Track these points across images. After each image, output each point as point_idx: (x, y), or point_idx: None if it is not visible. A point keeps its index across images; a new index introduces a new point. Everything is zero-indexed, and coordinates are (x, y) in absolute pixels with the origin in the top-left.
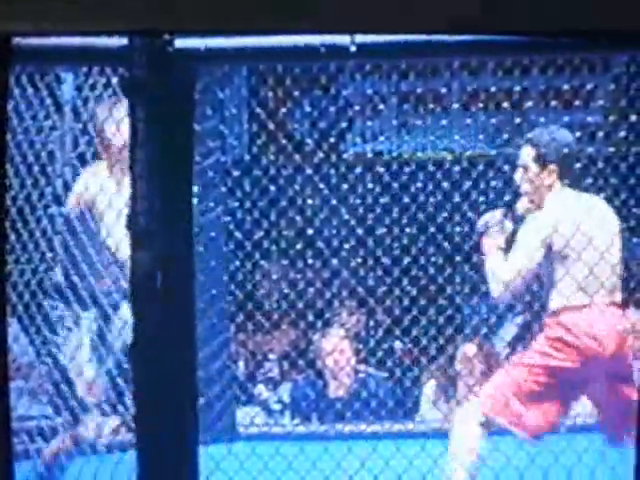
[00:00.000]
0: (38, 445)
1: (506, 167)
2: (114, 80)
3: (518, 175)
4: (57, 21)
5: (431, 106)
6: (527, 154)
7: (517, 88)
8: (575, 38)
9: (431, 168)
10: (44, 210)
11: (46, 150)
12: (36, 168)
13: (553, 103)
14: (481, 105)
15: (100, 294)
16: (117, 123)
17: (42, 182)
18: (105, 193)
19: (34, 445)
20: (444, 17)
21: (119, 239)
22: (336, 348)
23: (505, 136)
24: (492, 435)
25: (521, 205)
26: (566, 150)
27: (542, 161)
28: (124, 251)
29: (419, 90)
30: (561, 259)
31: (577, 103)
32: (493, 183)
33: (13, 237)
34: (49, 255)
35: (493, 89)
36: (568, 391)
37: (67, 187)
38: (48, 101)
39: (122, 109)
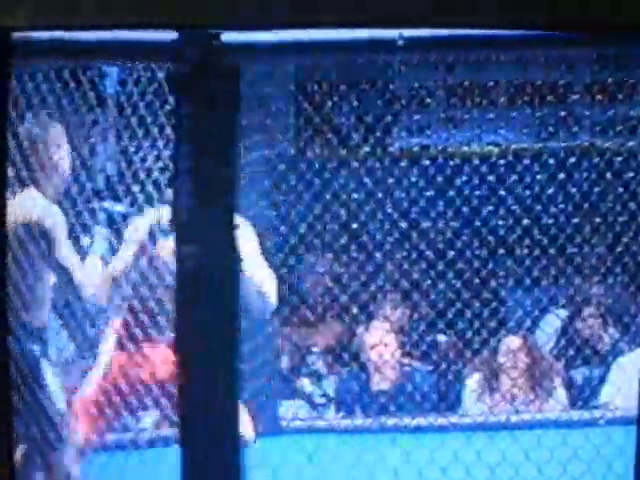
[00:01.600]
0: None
1: (551, 161)
2: (160, 75)
3: None
4: (106, 14)
5: (477, 99)
6: None
7: (562, 82)
8: (621, 33)
9: (477, 162)
10: (85, 205)
11: (88, 144)
12: (77, 163)
13: (598, 97)
14: (527, 99)
15: None
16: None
17: (83, 177)
18: None
19: None
20: (492, 11)
21: None
22: (380, 341)
23: (550, 130)
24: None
25: None
26: None
27: None
28: None
29: (466, 83)
30: None
31: (620, 97)
32: (538, 177)
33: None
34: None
35: (539, 82)
36: None
37: (109, 182)
38: (90, 95)
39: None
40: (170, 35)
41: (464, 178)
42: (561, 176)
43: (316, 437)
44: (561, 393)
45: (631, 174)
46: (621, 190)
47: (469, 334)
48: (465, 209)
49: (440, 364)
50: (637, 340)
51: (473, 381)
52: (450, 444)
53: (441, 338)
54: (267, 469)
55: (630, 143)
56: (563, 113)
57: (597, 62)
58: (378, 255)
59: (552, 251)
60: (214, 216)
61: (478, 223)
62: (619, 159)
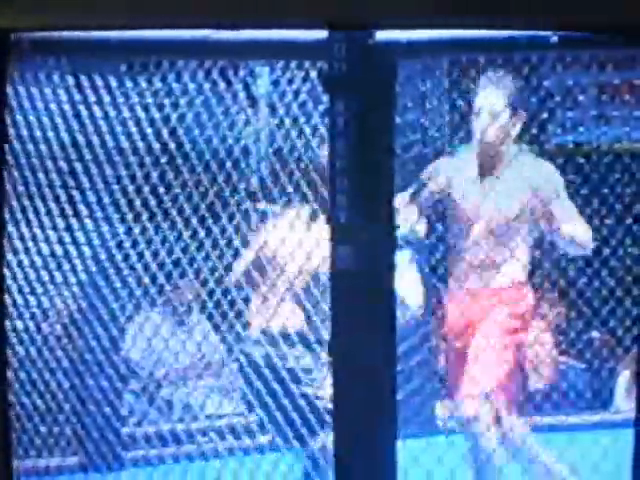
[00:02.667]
0: (229, 443)
1: None
2: (313, 74)
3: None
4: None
5: (627, 97)
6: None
7: None
8: None
9: (627, 159)
10: (237, 206)
11: (240, 145)
12: (229, 164)
13: None
14: None
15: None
16: None
17: (235, 178)
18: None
19: (224, 443)
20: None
21: None
22: (537, 340)
23: None
24: None
25: None
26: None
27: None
28: None
29: (616, 81)
30: None
31: None
32: None
33: (202, 233)
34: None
35: None
36: None
37: (263, 183)
38: (242, 95)
39: None
40: (323, 34)
41: (616, 175)
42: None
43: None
44: None
45: None
46: None
47: (621, 332)
48: (618, 206)
49: (594, 362)
50: None
51: (623, 378)
52: (602, 441)
53: (595, 335)
54: (422, 469)
55: None
56: None
57: None
58: (536, 253)
59: None
60: (371, 216)
61: (630, 220)
62: None
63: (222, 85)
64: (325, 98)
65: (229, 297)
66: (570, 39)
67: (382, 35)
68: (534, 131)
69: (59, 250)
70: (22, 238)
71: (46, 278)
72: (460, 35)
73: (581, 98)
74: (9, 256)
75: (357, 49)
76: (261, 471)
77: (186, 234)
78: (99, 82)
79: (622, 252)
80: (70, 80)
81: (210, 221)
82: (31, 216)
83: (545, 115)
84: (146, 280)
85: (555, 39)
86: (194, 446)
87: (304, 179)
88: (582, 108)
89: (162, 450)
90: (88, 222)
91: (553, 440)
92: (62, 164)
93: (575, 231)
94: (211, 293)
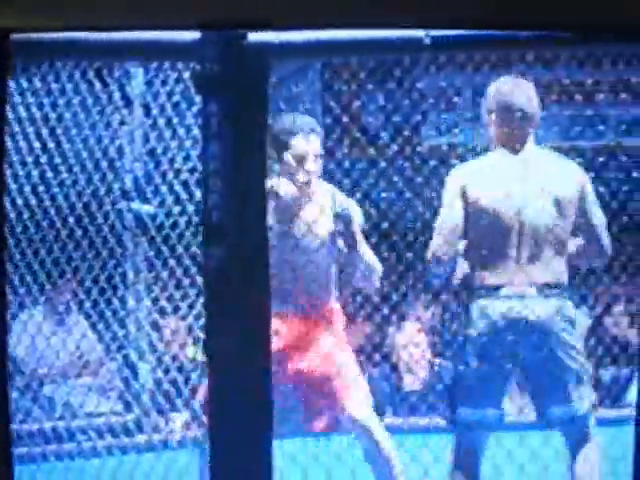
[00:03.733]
0: (107, 442)
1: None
2: (186, 75)
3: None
4: (127, 15)
5: None
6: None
7: (589, 81)
8: None
9: None
10: (112, 206)
11: (115, 145)
12: (104, 163)
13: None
14: (555, 97)
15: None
16: None
17: (110, 178)
18: None
19: (103, 442)
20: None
21: None
22: (411, 341)
23: (577, 128)
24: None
25: None
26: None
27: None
28: None
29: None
30: None
31: None
32: None
33: (79, 233)
34: (119, 251)
35: (566, 82)
36: None
37: (137, 183)
38: (117, 96)
39: None
40: (195, 35)
41: None
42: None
43: (347, 438)
44: None
45: None
46: None
47: None
48: None
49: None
50: None
51: None
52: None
53: None
54: (297, 468)
55: None
56: (590, 112)
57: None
58: (409, 254)
59: None
60: (244, 215)
61: None
62: None
63: (98, 85)
64: (198, 99)
65: (106, 296)
66: (445, 40)
67: (255, 36)
68: (407, 133)
69: None
70: None
71: None
72: (333, 37)
73: (455, 99)
74: None
75: (229, 50)
76: (140, 470)
77: (64, 233)
78: None
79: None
80: None
81: (86, 220)
82: None
83: (418, 117)
84: (28, 278)
85: (428, 41)
86: (74, 444)
87: (177, 179)
88: (457, 110)
89: (45, 448)
90: None
91: (429, 442)
92: None
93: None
94: (88, 292)
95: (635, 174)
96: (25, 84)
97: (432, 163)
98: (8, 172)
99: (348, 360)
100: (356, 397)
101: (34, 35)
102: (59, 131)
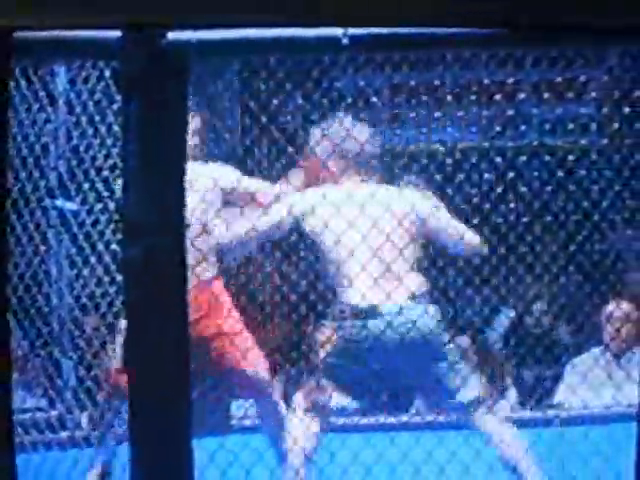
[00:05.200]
0: (32, 437)
1: (499, 159)
2: (107, 73)
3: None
4: (52, 14)
5: (424, 98)
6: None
7: (510, 80)
8: (567, 32)
9: (425, 160)
10: (38, 203)
11: (40, 143)
12: (30, 161)
13: (545, 95)
14: (474, 97)
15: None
16: None
17: (36, 175)
18: None
19: (28, 437)
20: (433, 10)
21: None
22: None
23: (498, 128)
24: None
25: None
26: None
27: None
28: None
29: (412, 82)
30: None
31: (570, 95)
32: (486, 175)
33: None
34: (43, 248)
35: (486, 81)
36: None
37: (61, 180)
38: (41, 94)
39: None
40: (115, 33)
41: (412, 176)
42: (510, 175)
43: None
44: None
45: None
46: (573, 188)
47: None
48: None
49: None
50: (591, 341)
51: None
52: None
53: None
54: (216, 468)
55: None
56: (511, 112)
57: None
58: None
59: (502, 250)
60: (162, 214)
61: None
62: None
63: (23, 83)
64: (119, 97)
65: (32, 292)
66: (361, 40)
67: (174, 35)
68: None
69: None
70: None
71: None
72: (252, 36)
73: (374, 100)
74: None
75: (149, 49)
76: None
77: None
78: None
79: None
80: None
81: (14, 217)
82: None
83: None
84: None
85: (346, 41)
86: None
87: (99, 177)
88: (375, 110)
89: None
90: None
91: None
92: None
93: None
94: (15, 289)
95: (559, 173)
96: None
97: None
98: None
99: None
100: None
101: None
102: None
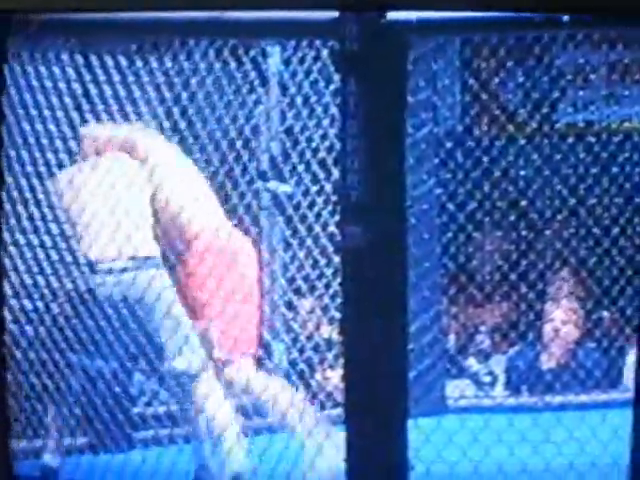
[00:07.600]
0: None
1: None
2: (324, 53)
3: None
4: None
5: (638, 76)
6: None
7: None
8: None
9: (637, 138)
10: (248, 186)
11: (250, 125)
12: (240, 143)
13: None
14: None
15: None
16: None
17: (246, 157)
18: None
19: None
20: None
21: None
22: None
23: None
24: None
25: None
26: None
27: None
28: None
29: (626, 60)
30: None
31: None
32: None
33: None
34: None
35: None
36: None
37: (273, 162)
38: (253, 75)
39: None
40: (334, 13)
41: (626, 155)
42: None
43: (482, 416)
44: None
45: None
46: None
47: (630, 311)
48: (627, 185)
49: (603, 341)
50: None
51: (631, 357)
52: (612, 420)
53: (605, 315)
54: (433, 448)
55: None
56: None
57: None
58: (547, 232)
59: None
60: (383, 195)
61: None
62: None
63: (233, 64)
64: (336, 77)
65: None
66: (579, 18)
67: (393, 14)
68: (545, 110)
69: None
70: None
71: None
72: (471, 15)
73: (592, 77)
74: None
75: (368, 28)
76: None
77: None
78: (110, 62)
79: (631, 231)
80: (79, 60)
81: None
82: None
83: (556, 94)
84: None
85: (567, 18)
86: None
87: (315, 158)
88: (593, 87)
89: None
90: None
91: (564, 419)
92: None
93: None
94: None
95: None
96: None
97: (569, 140)
98: None
99: None
100: None
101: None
102: (191, 111)
